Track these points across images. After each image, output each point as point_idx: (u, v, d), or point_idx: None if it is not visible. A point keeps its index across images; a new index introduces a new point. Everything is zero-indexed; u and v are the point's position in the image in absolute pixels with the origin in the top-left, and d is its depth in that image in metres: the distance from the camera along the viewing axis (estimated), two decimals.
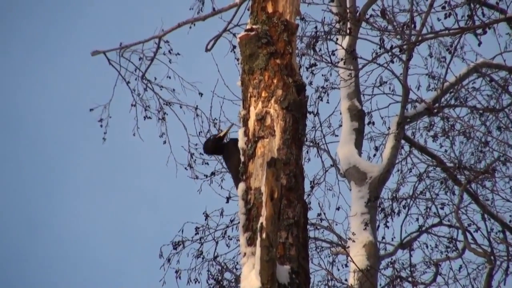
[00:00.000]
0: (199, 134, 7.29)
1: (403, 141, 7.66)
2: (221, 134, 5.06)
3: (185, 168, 7.43)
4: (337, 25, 7.47)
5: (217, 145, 5.06)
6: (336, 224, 7.64)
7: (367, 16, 6.87)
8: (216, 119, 7.24)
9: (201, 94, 7.22)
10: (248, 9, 4.44)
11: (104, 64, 6.84)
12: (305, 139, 4.17)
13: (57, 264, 12.62)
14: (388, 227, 7.92)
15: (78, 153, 13.48)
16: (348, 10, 7.42)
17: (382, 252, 7.74)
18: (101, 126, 7.09)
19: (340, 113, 7.88)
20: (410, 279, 7.67)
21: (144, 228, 13.14)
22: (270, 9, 4.28)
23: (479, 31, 5.31)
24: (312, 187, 8.12)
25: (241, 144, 4.05)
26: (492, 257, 7.26)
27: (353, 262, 6.75)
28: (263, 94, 4.10)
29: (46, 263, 12.56)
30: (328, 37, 7.34)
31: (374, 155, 8.08)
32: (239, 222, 3.96)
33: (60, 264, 12.64)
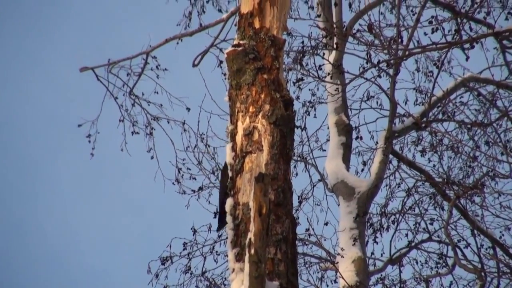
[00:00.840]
0: (187, 149, 7.27)
1: (391, 156, 7.65)
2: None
3: (173, 183, 7.40)
4: (324, 40, 7.49)
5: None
6: (325, 240, 7.61)
7: (354, 31, 6.88)
8: (204, 134, 7.24)
9: (188, 109, 7.21)
10: (235, 25, 4.45)
11: (92, 80, 6.83)
12: (293, 154, 4.14)
13: (44, 269, 12.54)
14: (377, 243, 7.88)
15: (66, 165, 13.45)
16: (334, 25, 7.44)
17: (371, 268, 7.69)
18: (89, 141, 7.08)
19: (328, 128, 7.88)
20: None
21: (132, 243, 13.06)
22: (257, 24, 4.29)
23: (467, 45, 5.34)
24: (300, 202, 8.09)
25: (228, 159, 4.03)
26: (482, 273, 7.22)
27: (343, 277, 6.71)
28: (250, 109, 4.08)
29: (33, 268, 12.48)
30: (315, 51, 7.35)
31: (362, 169, 8.07)
32: (227, 238, 3.92)
33: (48, 269, 12.56)
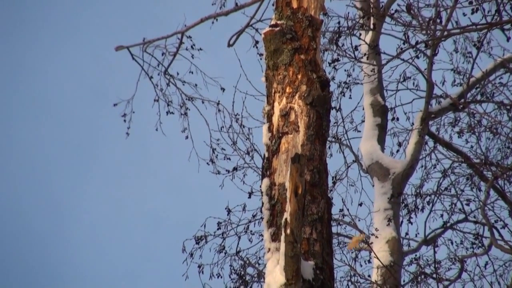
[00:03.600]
0: (221, 129, 7.30)
1: (427, 137, 7.59)
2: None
3: (207, 163, 7.45)
4: (361, 20, 7.41)
5: None
6: (359, 220, 7.62)
7: (392, 11, 6.81)
8: (238, 115, 7.25)
9: (223, 89, 7.22)
10: (272, 5, 4.43)
11: (127, 59, 6.87)
12: (328, 135, 4.14)
13: (82, 250, 12.80)
14: (411, 223, 7.86)
15: (102, 144, 13.65)
16: (372, 5, 7.36)
17: (405, 248, 7.69)
18: (124, 121, 7.15)
19: (363, 109, 7.85)
20: (434, 275, 7.61)
21: (166, 223, 13.22)
22: (295, 4, 4.27)
23: (507, 26, 5.24)
24: (334, 183, 8.09)
25: (265, 140, 4.05)
26: None
27: (377, 257, 6.72)
28: (287, 90, 4.08)
29: (71, 249, 12.75)
30: (352, 32, 7.29)
31: (398, 150, 8.03)
32: (261, 217, 3.95)
33: (86, 250, 12.82)
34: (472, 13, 5.37)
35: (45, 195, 13.15)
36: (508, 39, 5.37)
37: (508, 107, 7.76)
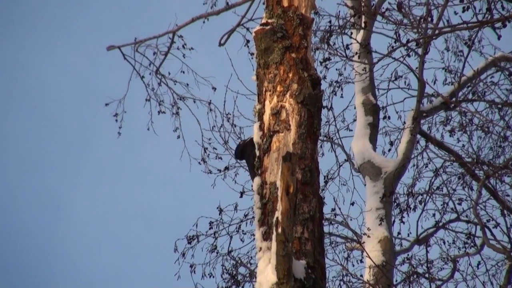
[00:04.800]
0: (213, 128, 7.28)
1: (418, 136, 7.59)
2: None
3: (199, 162, 7.43)
4: (352, 19, 7.41)
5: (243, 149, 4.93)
6: (351, 219, 7.60)
7: (383, 10, 6.80)
8: (230, 114, 7.24)
9: (214, 88, 7.21)
10: (263, 3, 4.42)
11: (119, 59, 6.85)
12: (320, 134, 4.13)
13: (75, 249, 12.78)
14: (403, 223, 7.86)
15: (95, 142, 13.65)
16: (363, 4, 7.36)
17: (397, 248, 7.68)
18: (116, 120, 7.12)
19: (355, 108, 7.84)
20: (427, 275, 7.60)
21: (158, 222, 13.20)
22: (285, 3, 4.26)
23: (498, 24, 5.24)
24: (326, 182, 8.09)
25: (256, 138, 4.03)
26: None
27: (369, 257, 6.71)
28: (278, 88, 4.07)
29: (64, 246, 12.72)
30: (343, 31, 7.29)
31: (389, 150, 8.03)
32: (253, 217, 3.94)
33: (78, 248, 12.79)
34: (463, 11, 5.37)
35: (38, 191, 13.15)
36: (499, 38, 5.37)
37: (500, 106, 7.77)
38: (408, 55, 6.99)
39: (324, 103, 7.93)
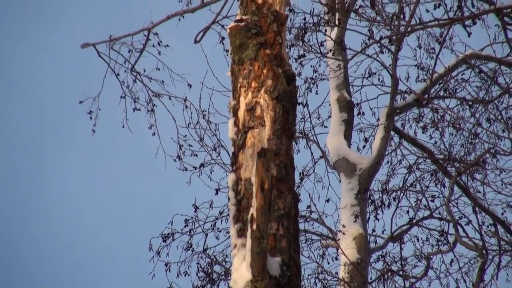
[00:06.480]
0: (188, 125, 7.26)
1: (392, 133, 7.63)
2: None
3: (174, 160, 7.40)
4: (326, 16, 7.44)
5: None
6: (326, 216, 7.64)
7: (356, 7, 6.85)
8: (205, 111, 7.22)
9: (190, 85, 7.19)
10: (238, 0, 4.41)
11: (93, 56, 6.80)
12: (295, 130, 4.13)
13: (47, 246, 12.69)
14: (378, 220, 7.89)
15: (69, 140, 13.61)
16: (337, 1, 7.39)
17: (372, 245, 7.71)
18: (91, 118, 7.07)
19: (329, 104, 7.86)
20: (401, 272, 7.63)
21: (133, 220, 13.14)
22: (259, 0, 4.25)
23: (468, 22, 5.31)
24: (301, 179, 8.10)
25: (231, 134, 4.02)
26: (484, 251, 7.21)
27: (344, 254, 6.73)
28: (253, 84, 4.06)
29: (38, 243, 12.64)
30: (317, 28, 7.31)
31: (364, 146, 8.07)
32: (229, 214, 3.92)
33: (51, 246, 12.71)
34: (435, 8, 5.43)
35: (24, 173, 13.09)
36: (469, 35, 5.43)
37: (470, 103, 7.84)
38: (382, 52, 7.04)
39: (299, 100, 7.96)
